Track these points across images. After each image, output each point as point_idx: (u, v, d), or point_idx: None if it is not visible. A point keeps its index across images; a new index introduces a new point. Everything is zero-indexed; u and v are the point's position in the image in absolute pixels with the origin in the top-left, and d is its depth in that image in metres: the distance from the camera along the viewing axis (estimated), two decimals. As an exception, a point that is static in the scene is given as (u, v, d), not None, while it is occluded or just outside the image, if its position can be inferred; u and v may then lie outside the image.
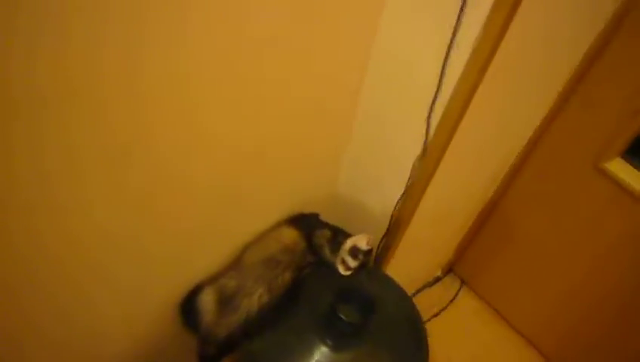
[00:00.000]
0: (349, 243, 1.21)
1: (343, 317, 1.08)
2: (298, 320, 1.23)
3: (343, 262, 1.22)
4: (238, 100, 0.94)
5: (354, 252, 1.20)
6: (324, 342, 1.17)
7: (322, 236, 1.28)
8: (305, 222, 1.33)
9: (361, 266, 1.23)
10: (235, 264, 1.24)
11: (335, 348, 1.17)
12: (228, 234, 1.23)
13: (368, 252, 1.21)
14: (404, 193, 1.32)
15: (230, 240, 1.25)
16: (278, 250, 1.23)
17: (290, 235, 1.28)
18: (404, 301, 1.32)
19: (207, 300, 1.18)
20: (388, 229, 1.41)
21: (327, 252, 1.26)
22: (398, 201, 1.34)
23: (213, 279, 1.21)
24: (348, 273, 1.22)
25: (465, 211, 1.82)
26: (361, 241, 1.21)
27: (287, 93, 1.04)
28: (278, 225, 1.33)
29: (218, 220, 1.16)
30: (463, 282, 2.15)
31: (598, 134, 1.48)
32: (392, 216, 1.37)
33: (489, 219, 1.92)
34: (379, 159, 1.35)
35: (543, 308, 1.95)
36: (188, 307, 1.21)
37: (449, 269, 2.17)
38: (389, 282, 1.33)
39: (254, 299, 1.17)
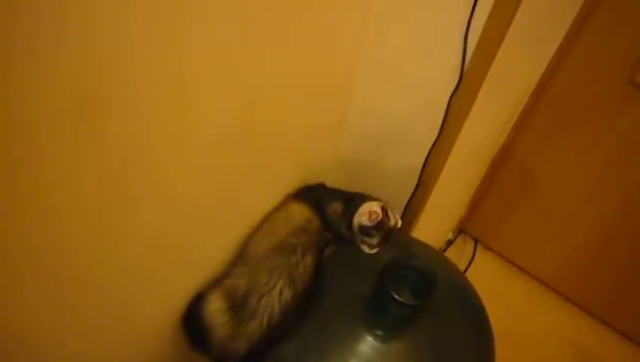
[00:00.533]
0: (356, 223, 0.99)
1: (398, 298, 0.85)
2: (334, 313, 0.99)
3: (363, 241, 1.00)
4: (225, 60, 0.70)
5: (364, 231, 0.98)
6: (373, 333, 0.93)
7: (334, 212, 1.04)
8: (312, 195, 1.09)
9: (386, 237, 1.00)
10: (240, 258, 0.99)
11: (386, 338, 0.94)
12: (228, 221, 0.97)
13: (380, 224, 0.97)
14: (435, 142, 1.10)
15: (231, 228, 0.99)
16: (290, 232, 0.99)
17: (301, 212, 1.04)
18: (452, 274, 1.10)
19: (215, 309, 0.93)
20: (416, 188, 1.18)
21: (344, 230, 1.03)
22: (429, 152, 1.11)
23: (216, 282, 0.96)
24: (373, 251, 1.00)
25: (481, 159, 1.62)
26: (363, 217, 0.98)
27: (283, 39, 0.79)
28: (283, 202, 1.08)
29: (215, 206, 0.90)
30: (476, 241, 1.97)
31: (632, 44, 1.30)
32: (422, 170, 1.15)
33: (502, 166, 1.73)
34: (397, 104, 1.12)
35: (570, 257, 1.80)
36: (192, 323, 0.95)
37: (459, 230, 1.98)
38: (429, 252, 1.11)
39: (274, 297, 0.93)
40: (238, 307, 0.91)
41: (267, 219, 1.04)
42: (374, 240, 0.98)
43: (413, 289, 0.91)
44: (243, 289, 0.92)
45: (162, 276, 0.88)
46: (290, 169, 1.06)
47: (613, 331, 1.80)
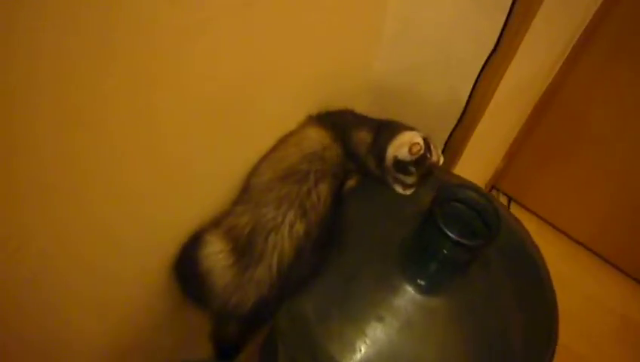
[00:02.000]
0: (389, 157, 0.79)
1: (452, 235, 0.66)
2: (362, 257, 0.81)
3: (396, 180, 0.80)
4: None
5: (401, 167, 0.78)
6: (414, 283, 0.75)
7: (361, 143, 0.84)
8: (334, 119, 0.89)
9: (425, 177, 0.81)
10: (243, 193, 0.80)
11: (431, 289, 0.76)
12: (231, 155, 0.78)
13: (421, 159, 0.78)
14: (486, 64, 0.89)
15: (235, 164, 0.80)
16: (301, 158, 0.80)
17: (316, 136, 0.84)
18: (507, 222, 0.90)
19: (215, 252, 0.74)
20: (458, 122, 0.98)
21: (371, 164, 0.83)
22: (478, 77, 0.91)
23: (215, 222, 0.77)
24: (407, 192, 0.81)
25: (523, 102, 1.41)
26: (401, 149, 0.78)
27: None
28: (298, 127, 0.88)
29: (217, 135, 0.71)
30: (510, 199, 1.77)
31: None
32: (468, 100, 0.94)
33: (545, 113, 1.52)
34: (441, 14, 0.91)
35: (614, 218, 1.61)
36: (187, 269, 0.77)
37: (492, 186, 1.78)
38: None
39: (284, 233, 0.74)
40: (241, 249, 0.73)
41: (276, 145, 0.85)
42: (411, 179, 0.79)
43: (462, 229, 0.72)
44: (247, 228, 0.74)
45: (165, 218, 0.70)
46: (310, 83, 0.86)
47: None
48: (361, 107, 0.93)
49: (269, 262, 0.74)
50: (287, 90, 0.82)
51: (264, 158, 0.82)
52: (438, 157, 0.79)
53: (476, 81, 0.92)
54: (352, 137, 0.84)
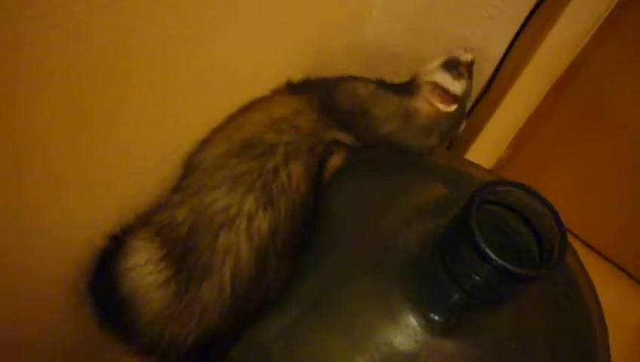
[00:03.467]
0: (435, 65, 0.65)
1: (499, 261, 0.42)
2: (348, 267, 0.58)
3: (436, 88, 0.62)
4: None
5: (452, 65, 0.64)
6: (425, 318, 0.53)
7: (352, 95, 0.63)
8: (311, 84, 0.66)
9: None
10: (184, 178, 0.57)
11: (448, 328, 0.53)
12: (173, 123, 0.54)
13: (471, 66, 0.65)
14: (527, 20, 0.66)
15: (179, 136, 0.56)
16: (267, 125, 0.57)
17: (287, 100, 0.62)
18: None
19: (141, 264, 0.51)
20: (483, 94, 0.75)
21: (378, 111, 0.62)
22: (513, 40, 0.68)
23: (144, 219, 0.54)
24: (452, 108, 0.62)
25: (542, 79, 1.19)
26: (457, 52, 0.66)
27: None
28: (270, 93, 0.65)
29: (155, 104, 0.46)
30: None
31: None
32: (499, 66, 0.71)
33: (564, 93, 1.31)
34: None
35: (629, 223, 1.42)
36: (103, 289, 0.54)
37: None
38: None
39: (240, 229, 0.52)
40: (179, 257, 0.50)
41: (235, 114, 0.61)
42: (457, 87, 0.63)
43: (501, 246, 0.48)
44: (185, 226, 0.50)
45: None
46: (291, 42, 0.62)
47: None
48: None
49: (220, 276, 0.51)
50: (259, 43, 0.57)
51: (217, 129, 0.58)
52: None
53: (508, 49, 0.68)
54: (337, 91, 0.63)
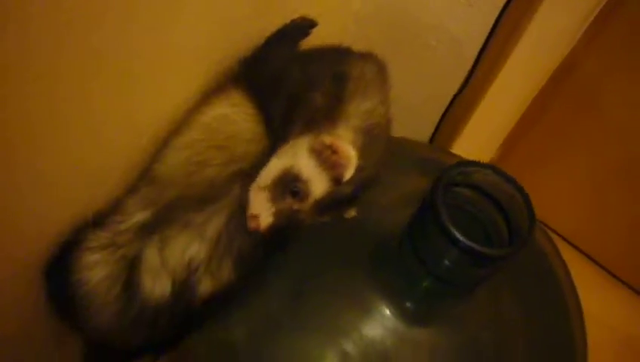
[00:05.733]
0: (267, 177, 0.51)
1: (465, 240, 0.41)
2: (320, 259, 0.56)
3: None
4: None
5: (291, 189, 0.50)
6: (396, 305, 0.51)
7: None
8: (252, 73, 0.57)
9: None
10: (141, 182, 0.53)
11: (420, 316, 0.51)
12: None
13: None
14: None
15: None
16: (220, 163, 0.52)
17: (243, 118, 0.54)
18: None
19: (97, 276, 0.49)
20: (465, 82, 0.74)
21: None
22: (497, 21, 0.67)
23: (99, 220, 0.51)
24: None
25: (533, 78, 1.18)
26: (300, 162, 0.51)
27: None
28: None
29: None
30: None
31: None
32: (482, 50, 0.70)
33: (557, 92, 1.30)
34: None
35: (613, 225, 1.40)
36: (58, 291, 0.52)
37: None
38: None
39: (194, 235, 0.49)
40: (130, 260, 0.48)
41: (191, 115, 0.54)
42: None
43: (472, 229, 0.47)
44: (137, 227, 0.48)
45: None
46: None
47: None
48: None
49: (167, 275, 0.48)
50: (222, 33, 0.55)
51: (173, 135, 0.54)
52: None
53: (492, 30, 0.68)
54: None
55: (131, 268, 0.47)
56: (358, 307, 0.52)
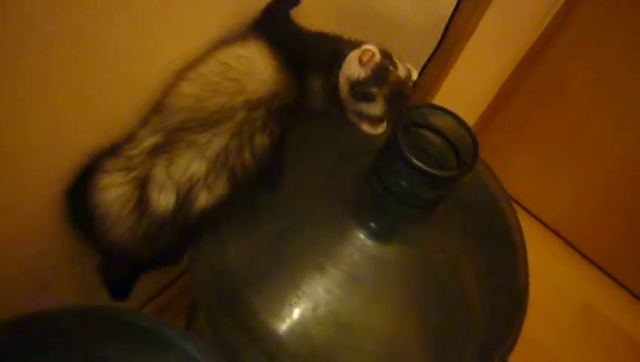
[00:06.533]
0: (343, 84, 0.61)
1: (420, 164, 0.51)
2: (301, 193, 0.66)
3: (361, 116, 0.62)
4: None
5: (359, 91, 0.59)
6: (364, 226, 0.61)
7: (316, 89, 0.64)
8: (277, 29, 0.66)
9: (396, 100, 0.60)
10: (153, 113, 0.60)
11: (384, 235, 0.61)
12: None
13: (380, 71, 0.59)
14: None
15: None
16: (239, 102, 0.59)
17: (264, 65, 0.61)
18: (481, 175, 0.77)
19: (113, 196, 0.56)
20: (439, 44, 0.83)
21: (333, 110, 0.65)
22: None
23: (114, 151, 0.58)
24: (380, 130, 0.62)
25: (504, 59, 1.28)
26: (352, 64, 0.60)
27: None
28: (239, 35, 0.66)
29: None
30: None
31: None
32: (451, 17, 0.79)
33: (525, 78, 1.40)
34: None
35: (581, 202, 1.53)
36: (79, 210, 0.59)
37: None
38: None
39: (205, 155, 0.57)
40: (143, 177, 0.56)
41: (209, 52, 0.62)
42: (377, 108, 0.60)
43: (430, 164, 0.57)
44: (150, 147, 0.56)
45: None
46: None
47: (623, 289, 1.56)
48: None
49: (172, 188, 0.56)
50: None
51: (190, 66, 0.61)
52: (407, 71, 0.61)
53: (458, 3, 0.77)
54: (309, 85, 0.64)
55: (142, 187, 0.55)
56: (335, 232, 0.61)
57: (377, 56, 0.59)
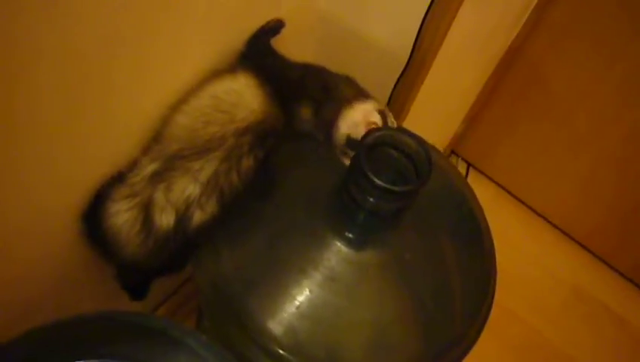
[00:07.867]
0: (341, 135, 0.69)
1: (378, 181, 0.60)
2: (286, 208, 0.74)
3: (346, 154, 0.70)
4: None
5: (353, 144, 0.67)
6: (341, 236, 0.69)
7: (303, 119, 0.73)
8: (262, 61, 0.75)
9: None
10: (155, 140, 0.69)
11: (359, 243, 0.70)
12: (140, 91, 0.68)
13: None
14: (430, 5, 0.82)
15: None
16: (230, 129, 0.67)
17: (252, 96, 0.69)
18: (449, 176, 0.85)
19: (122, 220, 0.66)
20: (406, 67, 0.91)
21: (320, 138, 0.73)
22: (426, 14, 0.84)
23: (120, 177, 0.67)
24: None
25: (485, 59, 1.35)
26: (357, 128, 0.67)
27: None
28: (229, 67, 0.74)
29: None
30: (469, 165, 1.73)
31: None
32: (415, 41, 0.87)
33: (507, 75, 1.47)
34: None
35: (569, 189, 1.59)
36: (93, 232, 0.70)
37: (451, 151, 1.73)
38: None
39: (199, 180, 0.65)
40: (147, 198, 0.65)
41: (197, 91, 0.69)
42: None
43: (397, 178, 0.66)
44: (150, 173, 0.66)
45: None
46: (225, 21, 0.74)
47: (613, 271, 1.62)
48: (306, 55, 0.84)
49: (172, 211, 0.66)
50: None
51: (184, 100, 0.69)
52: (392, 124, 0.70)
53: (423, 21, 0.85)
54: (294, 113, 0.72)
55: (146, 210, 0.64)
56: (317, 241, 0.70)
57: (379, 124, 0.67)
